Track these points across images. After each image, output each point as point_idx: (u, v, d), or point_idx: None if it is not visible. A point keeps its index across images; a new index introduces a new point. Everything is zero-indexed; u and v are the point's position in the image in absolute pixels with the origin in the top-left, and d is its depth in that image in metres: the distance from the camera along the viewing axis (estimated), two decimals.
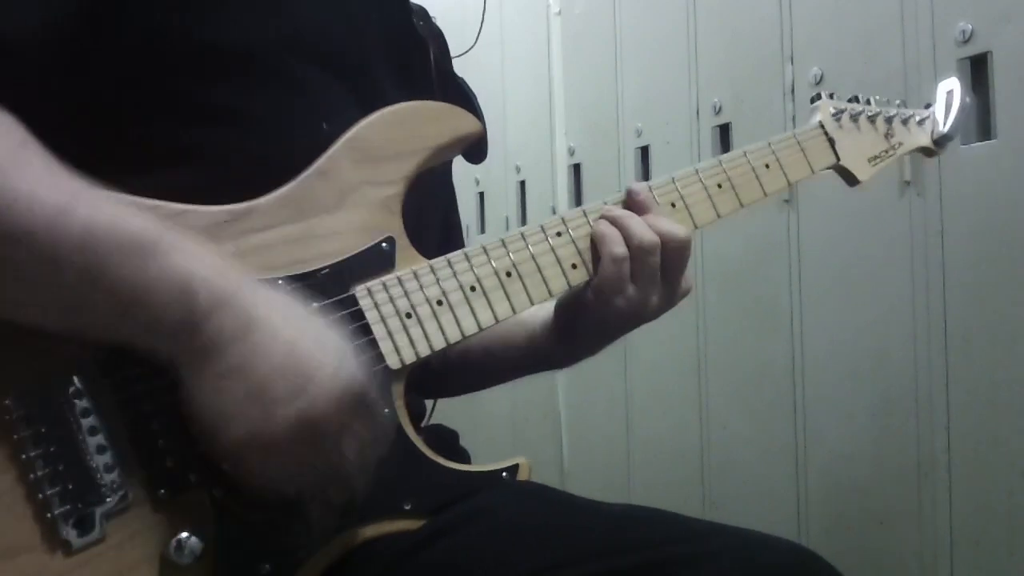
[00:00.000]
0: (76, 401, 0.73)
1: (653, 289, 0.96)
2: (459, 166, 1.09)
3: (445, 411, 1.12)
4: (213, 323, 0.71)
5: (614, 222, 0.95)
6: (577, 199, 2.68)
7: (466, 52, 1.30)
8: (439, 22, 1.16)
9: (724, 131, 2.19)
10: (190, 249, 0.73)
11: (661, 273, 0.96)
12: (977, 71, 1.66)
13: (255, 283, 0.75)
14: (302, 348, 0.73)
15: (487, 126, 1.04)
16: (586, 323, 1.01)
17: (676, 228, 0.96)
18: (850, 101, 1.18)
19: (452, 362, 1.12)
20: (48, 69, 0.80)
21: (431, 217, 1.05)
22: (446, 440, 1.05)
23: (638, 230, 0.94)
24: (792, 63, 1.99)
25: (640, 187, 0.99)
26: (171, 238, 0.72)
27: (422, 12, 1.12)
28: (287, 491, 0.75)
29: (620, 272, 0.94)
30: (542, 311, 1.09)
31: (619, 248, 0.94)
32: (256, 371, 0.71)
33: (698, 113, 2.24)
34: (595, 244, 0.95)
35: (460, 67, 1.17)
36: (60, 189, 0.71)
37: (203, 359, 0.72)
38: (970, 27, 1.64)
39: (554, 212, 2.71)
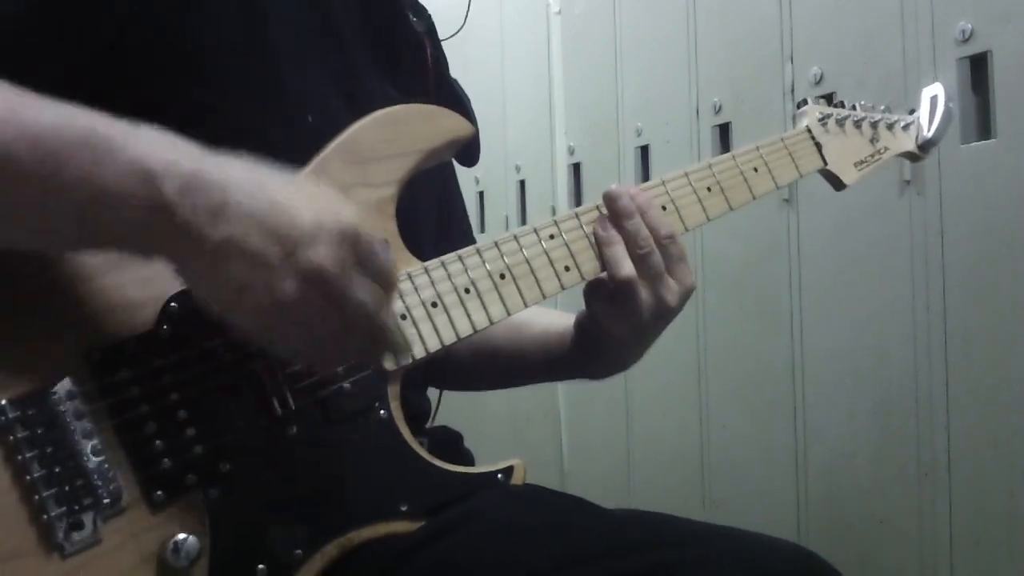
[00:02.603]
0: (71, 403, 0.73)
1: (662, 285, 0.96)
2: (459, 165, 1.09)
3: (445, 412, 1.12)
4: (186, 206, 0.68)
5: (608, 228, 0.96)
6: (577, 199, 2.68)
7: (455, 34, 1.29)
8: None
9: (724, 131, 2.19)
10: (145, 136, 0.70)
11: (666, 269, 0.96)
12: (977, 71, 1.66)
13: (219, 156, 0.72)
14: (281, 203, 0.70)
15: (486, 126, 1.04)
16: (609, 338, 1.01)
17: (663, 223, 0.97)
18: (836, 106, 1.19)
19: (475, 360, 1.12)
20: (21, 65, 0.80)
21: (424, 219, 1.05)
22: (450, 442, 1.05)
23: (632, 229, 0.95)
24: (792, 63, 1.99)
25: (618, 193, 0.97)
26: (124, 129, 0.70)
27: (417, 7, 1.12)
28: (319, 351, 0.74)
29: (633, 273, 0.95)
30: (558, 323, 1.10)
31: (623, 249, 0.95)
32: (244, 242, 0.69)
33: (698, 113, 2.24)
34: (600, 251, 0.95)
35: (459, 67, 1.17)
36: (3, 98, 0.70)
37: (187, 245, 0.70)
38: (970, 27, 1.64)
39: (554, 211, 2.72)
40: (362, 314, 0.72)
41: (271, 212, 0.70)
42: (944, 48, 1.69)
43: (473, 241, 1.12)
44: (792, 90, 1.99)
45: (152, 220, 0.69)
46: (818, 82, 1.92)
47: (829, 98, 1.87)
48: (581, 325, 1.06)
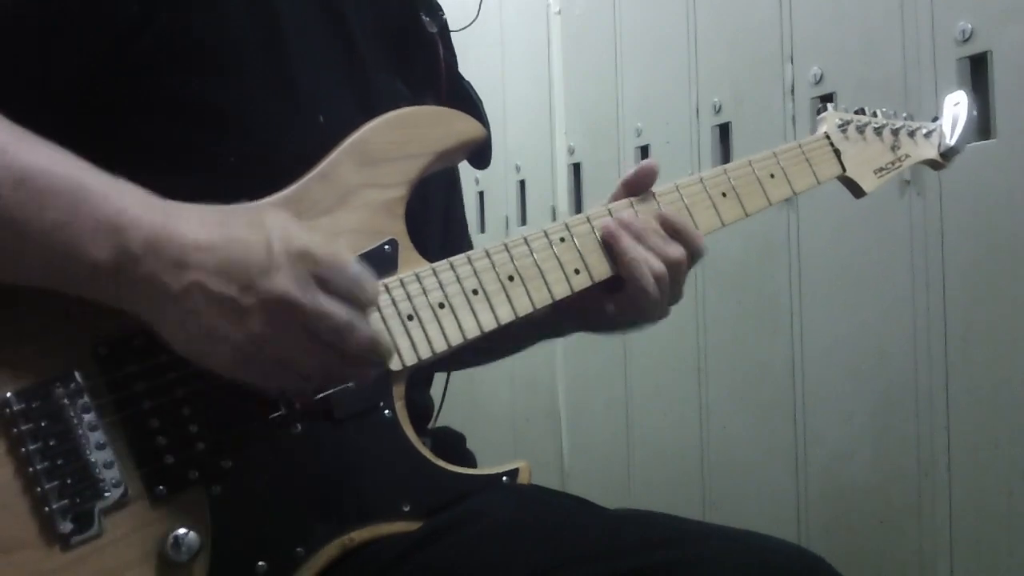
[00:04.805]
0: (76, 397, 0.74)
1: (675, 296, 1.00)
2: (463, 164, 1.09)
3: (445, 412, 1.12)
4: (149, 258, 0.71)
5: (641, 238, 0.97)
6: (577, 199, 2.68)
7: (467, 26, 1.28)
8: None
9: (724, 131, 2.19)
10: (120, 190, 0.73)
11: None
12: (977, 71, 1.66)
13: (183, 207, 0.74)
14: (234, 240, 0.72)
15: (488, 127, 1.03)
16: (600, 324, 1.04)
17: (699, 240, 1.00)
18: (857, 113, 1.18)
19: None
20: (35, 65, 0.81)
21: (432, 221, 1.05)
22: (452, 443, 1.05)
23: (672, 251, 0.98)
24: (792, 63, 1.99)
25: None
26: (102, 181, 0.72)
27: (431, 5, 1.11)
28: (316, 372, 0.74)
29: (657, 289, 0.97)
30: None
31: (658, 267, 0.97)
32: (206, 287, 0.71)
33: (698, 113, 2.24)
34: (626, 267, 0.97)
35: (460, 66, 1.16)
36: None
37: (153, 295, 0.72)
38: (970, 27, 1.64)
39: (554, 212, 2.72)
40: (335, 330, 0.73)
41: (225, 252, 0.72)
42: (944, 48, 1.69)
43: (469, 246, 1.12)
44: (792, 90, 1.99)
45: (119, 271, 0.71)
46: (818, 82, 1.92)
47: (829, 98, 1.88)
48: (581, 311, 1.06)
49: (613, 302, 0.99)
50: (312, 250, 0.73)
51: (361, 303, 0.75)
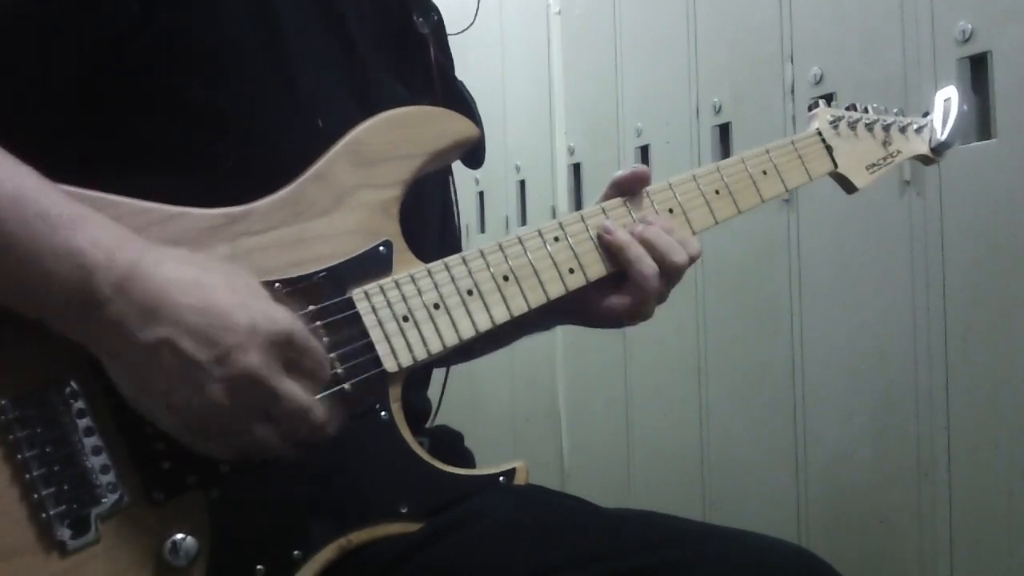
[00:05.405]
0: (72, 403, 0.74)
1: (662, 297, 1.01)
2: (458, 165, 1.09)
3: (444, 412, 1.12)
4: (118, 303, 0.70)
5: (647, 242, 0.97)
6: (577, 199, 2.68)
7: (465, 30, 1.29)
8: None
9: (724, 131, 2.19)
10: (91, 225, 0.72)
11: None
12: (977, 71, 1.66)
13: (158, 251, 0.74)
14: (216, 306, 0.72)
15: (487, 126, 1.04)
16: (592, 321, 1.03)
17: (695, 245, 0.99)
18: (848, 109, 1.18)
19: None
20: (37, 66, 0.80)
21: (430, 220, 1.05)
22: (450, 442, 1.05)
23: (675, 254, 0.98)
24: (792, 63, 1.99)
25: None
26: (73, 214, 0.71)
27: (426, 6, 1.11)
28: (252, 446, 0.75)
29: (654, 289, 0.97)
30: None
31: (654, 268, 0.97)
32: (176, 345, 0.71)
33: (698, 113, 2.24)
34: (626, 263, 0.97)
35: (460, 67, 1.16)
36: None
37: (118, 342, 0.71)
38: (970, 27, 1.64)
39: (554, 212, 2.72)
40: (293, 412, 0.74)
41: (205, 315, 0.71)
42: (944, 48, 1.69)
43: (460, 247, 1.12)
44: (792, 90, 1.99)
45: (85, 312, 0.70)
46: (818, 82, 1.92)
47: (829, 98, 1.88)
48: (577, 308, 1.06)
49: (611, 298, 0.99)
50: (293, 333, 0.74)
51: (321, 381, 0.77)
